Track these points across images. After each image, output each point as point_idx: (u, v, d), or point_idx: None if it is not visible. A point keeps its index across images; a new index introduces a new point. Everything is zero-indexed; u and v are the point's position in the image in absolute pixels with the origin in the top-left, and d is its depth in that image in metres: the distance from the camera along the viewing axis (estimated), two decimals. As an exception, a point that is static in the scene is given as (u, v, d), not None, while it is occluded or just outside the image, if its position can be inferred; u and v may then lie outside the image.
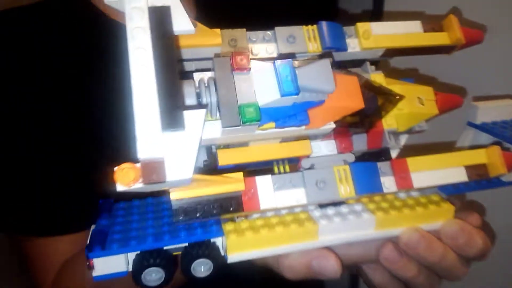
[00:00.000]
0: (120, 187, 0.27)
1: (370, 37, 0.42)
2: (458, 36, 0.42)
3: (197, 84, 0.34)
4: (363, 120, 0.40)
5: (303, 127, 0.36)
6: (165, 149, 0.28)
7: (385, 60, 0.46)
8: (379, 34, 0.42)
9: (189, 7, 0.70)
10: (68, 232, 0.60)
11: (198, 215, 0.36)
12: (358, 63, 0.44)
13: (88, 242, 0.37)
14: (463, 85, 0.68)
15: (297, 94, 0.32)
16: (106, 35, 0.59)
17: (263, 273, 0.43)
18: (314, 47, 0.40)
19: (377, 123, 0.41)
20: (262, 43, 0.40)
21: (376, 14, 0.84)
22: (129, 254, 0.38)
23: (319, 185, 0.38)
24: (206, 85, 0.34)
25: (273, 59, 0.35)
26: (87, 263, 0.37)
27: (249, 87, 0.34)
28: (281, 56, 0.40)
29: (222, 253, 0.39)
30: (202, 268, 0.38)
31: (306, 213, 0.40)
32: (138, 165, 0.27)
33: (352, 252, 0.42)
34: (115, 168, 0.27)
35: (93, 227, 0.40)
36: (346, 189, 0.38)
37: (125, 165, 0.27)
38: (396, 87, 0.42)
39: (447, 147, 0.48)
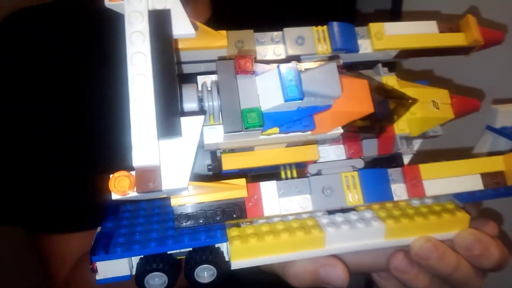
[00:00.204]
0: (114, 196, 0.26)
1: (383, 37, 0.40)
2: (476, 36, 0.40)
3: (200, 88, 0.34)
4: (373, 124, 0.39)
5: (309, 132, 0.34)
6: (161, 157, 0.27)
7: (399, 61, 0.45)
8: (392, 35, 0.41)
9: (204, 7, 0.70)
10: (81, 230, 0.60)
11: (201, 221, 0.35)
12: (370, 64, 0.43)
13: (92, 245, 0.37)
14: (481, 88, 0.66)
15: (301, 99, 0.31)
16: (106, 35, 0.59)
17: (268, 278, 0.43)
18: (324, 48, 0.39)
19: (388, 128, 0.40)
20: (270, 45, 0.39)
21: (395, 14, 0.82)
22: (133, 258, 0.38)
23: (325, 192, 0.37)
24: (209, 89, 0.33)
25: (281, 62, 0.34)
26: (91, 266, 0.37)
27: (253, 91, 0.33)
28: (290, 58, 0.39)
29: (227, 259, 0.38)
30: (205, 273, 0.38)
31: (313, 219, 0.39)
32: (133, 173, 0.27)
33: (362, 260, 0.41)
34: (110, 176, 0.26)
35: (98, 229, 0.40)
36: (354, 197, 0.37)
37: (120, 173, 0.26)
38: (410, 90, 0.41)
39: (463, 153, 0.46)
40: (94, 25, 0.62)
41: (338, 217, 0.39)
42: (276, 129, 0.34)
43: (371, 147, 0.40)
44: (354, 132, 0.38)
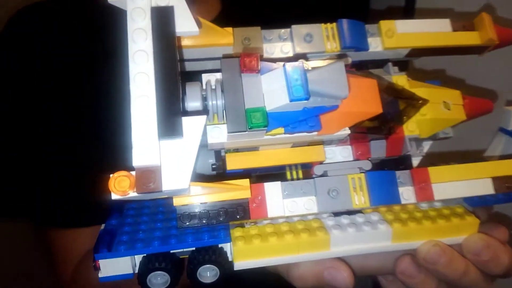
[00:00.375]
0: (114, 196, 0.26)
1: (394, 35, 0.39)
2: (490, 35, 0.39)
3: (204, 86, 0.33)
4: (382, 125, 0.38)
5: (315, 133, 0.34)
6: (162, 157, 0.27)
7: (410, 60, 0.44)
8: (404, 33, 0.39)
9: (214, 4, 0.69)
10: (88, 225, 0.61)
11: (204, 221, 0.35)
12: (380, 63, 0.42)
13: (95, 242, 0.37)
14: (494, 88, 0.64)
15: (307, 99, 0.30)
16: (107, 33, 0.59)
17: (272, 279, 0.42)
18: (333, 46, 0.38)
19: (397, 129, 0.39)
20: (277, 42, 0.39)
21: (408, 11, 0.81)
22: (135, 256, 0.37)
23: (331, 194, 0.36)
24: (213, 87, 0.33)
25: (288, 60, 0.34)
26: (93, 264, 0.36)
27: (258, 90, 0.32)
28: (297, 56, 0.38)
29: (230, 259, 0.38)
30: (208, 273, 0.37)
31: (318, 221, 0.38)
32: (133, 173, 0.26)
33: (368, 263, 0.40)
34: (110, 176, 0.26)
35: (102, 226, 0.40)
36: (360, 199, 0.36)
37: (120, 173, 0.26)
38: (420, 90, 0.39)
39: (474, 155, 0.44)
40: (95, 24, 0.62)
41: (344, 219, 0.38)
42: (281, 129, 0.33)
43: (379, 148, 0.39)
44: (362, 133, 0.37)
